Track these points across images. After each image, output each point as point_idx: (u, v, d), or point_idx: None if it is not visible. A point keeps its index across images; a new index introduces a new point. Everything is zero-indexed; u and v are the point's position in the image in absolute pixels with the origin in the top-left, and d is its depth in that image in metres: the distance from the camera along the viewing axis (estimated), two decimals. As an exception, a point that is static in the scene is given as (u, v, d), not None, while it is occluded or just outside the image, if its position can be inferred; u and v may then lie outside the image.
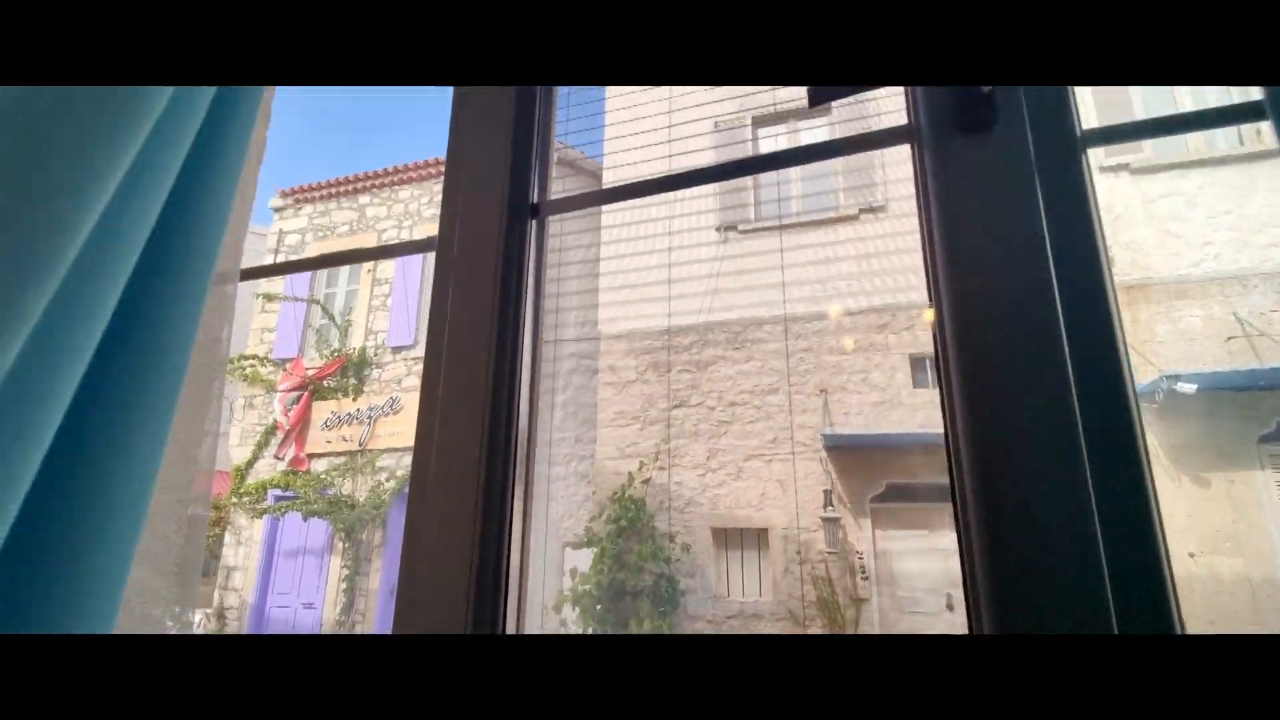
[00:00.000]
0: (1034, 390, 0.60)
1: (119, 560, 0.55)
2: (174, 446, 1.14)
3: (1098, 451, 0.59)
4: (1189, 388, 5.09)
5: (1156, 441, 5.35)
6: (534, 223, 0.88)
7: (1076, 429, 0.59)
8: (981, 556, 0.58)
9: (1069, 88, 0.70)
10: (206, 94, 0.60)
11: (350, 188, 10.49)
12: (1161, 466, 5.31)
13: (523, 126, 0.89)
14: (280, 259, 10.86)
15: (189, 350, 0.61)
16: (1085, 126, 0.70)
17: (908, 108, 0.73)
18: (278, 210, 11.19)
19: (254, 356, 9.62)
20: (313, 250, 10.67)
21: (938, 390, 0.67)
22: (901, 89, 0.78)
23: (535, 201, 0.89)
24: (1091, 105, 6.15)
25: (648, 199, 6.52)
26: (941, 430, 0.65)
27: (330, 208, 10.76)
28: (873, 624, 5.78)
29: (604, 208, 7.36)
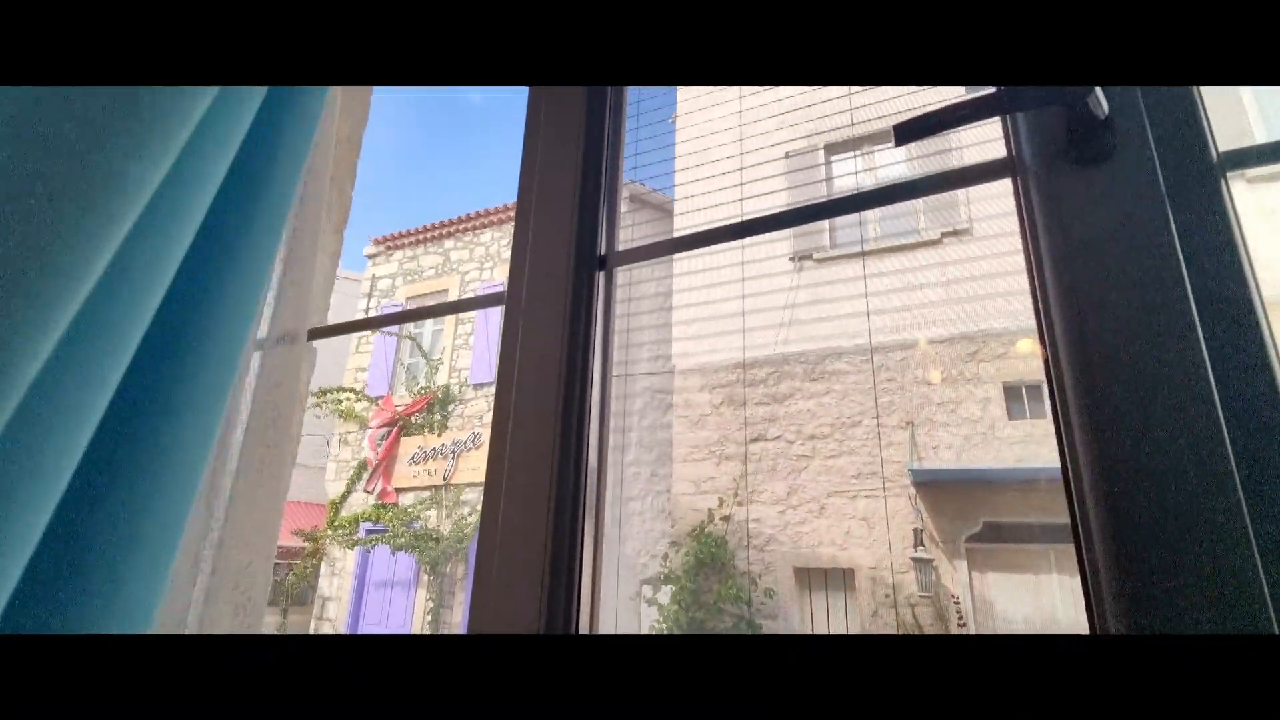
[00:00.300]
0: (1174, 424, 0.52)
1: (149, 586, 0.55)
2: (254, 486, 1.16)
3: (1257, 486, 0.50)
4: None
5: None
6: (601, 274, 0.86)
7: (1228, 460, 0.50)
8: (1116, 606, 0.50)
9: (1199, 106, 0.62)
10: (250, 108, 0.61)
11: (437, 233, 11.05)
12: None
13: (590, 177, 0.88)
14: (372, 302, 11.51)
15: (230, 370, 0.61)
16: (1222, 149, 0.62)
17: (1006, 137, 0.67)
18: (371, 257, 11.91)
19: (351, 390, 10.15)
20: (403, 293, 11.25)
21: (1039, 423, 0.60)
22: (994, 120, 0.72)
23: (603, 253, 0.87)
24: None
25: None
26: (1042, 465, 0.58)
27: (418, 253, 11.36)
28: (974, 676, 5.35)
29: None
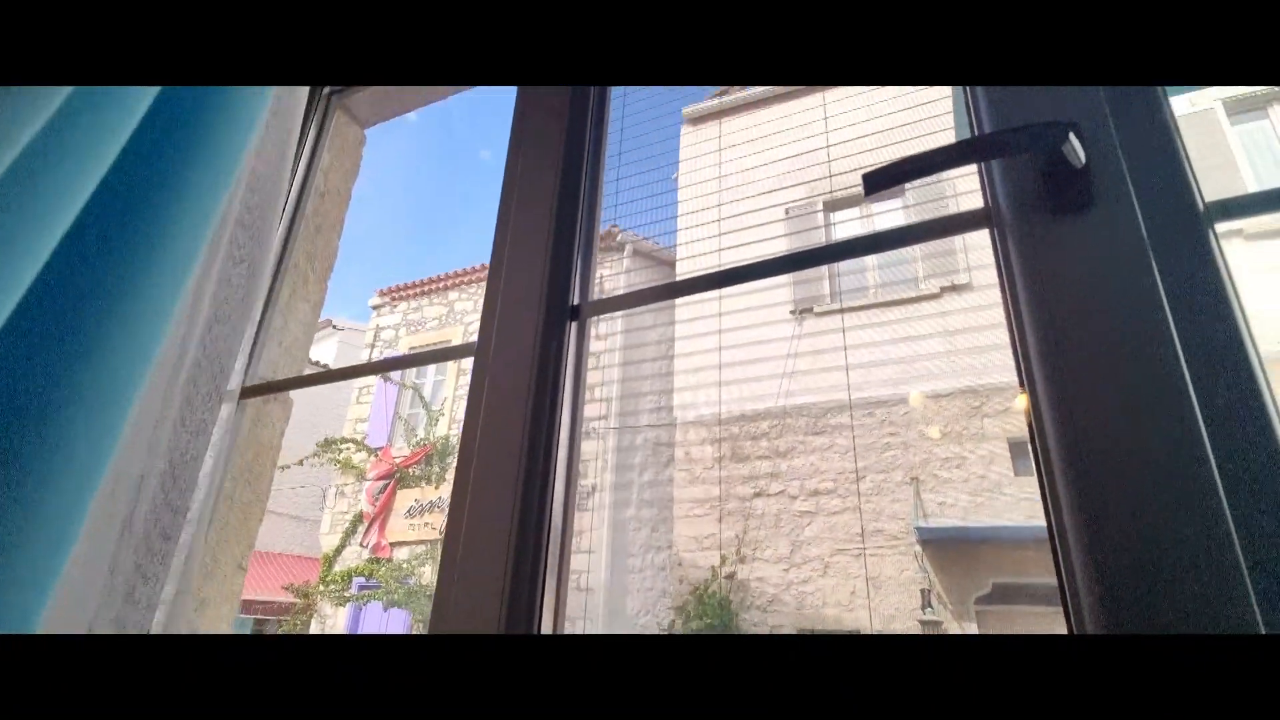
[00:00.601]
0: (1168, 486, 0.47)
1: (44, 565, 0.51)
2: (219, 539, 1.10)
3: (1255, 549, 0.46)
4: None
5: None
6: (573, 325, 0.83)
7: (1226, 524, 0.45)
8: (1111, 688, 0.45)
9: (1181, 154, 0.60)
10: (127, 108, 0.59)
11: (441, 285, 11.17)
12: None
13: (564, 226, 0.87)
14: (375, 352, 11.55)
15: (143, 360, 0.57)
16: (1209, 199, 0.59)
17: (982, 187, 0.65)
18: (376, 308, 12.02)
19: (352, 441, 10.06)
20: (406, 343, 11.30)
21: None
22: (974, 169, 0.70)
23: (576, 303, 0.85)
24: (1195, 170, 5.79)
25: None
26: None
27: (423, 304, 11.46)
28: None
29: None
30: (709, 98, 8.99)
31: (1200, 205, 0.59)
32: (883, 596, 5.76)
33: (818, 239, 7.27)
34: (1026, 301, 0.57)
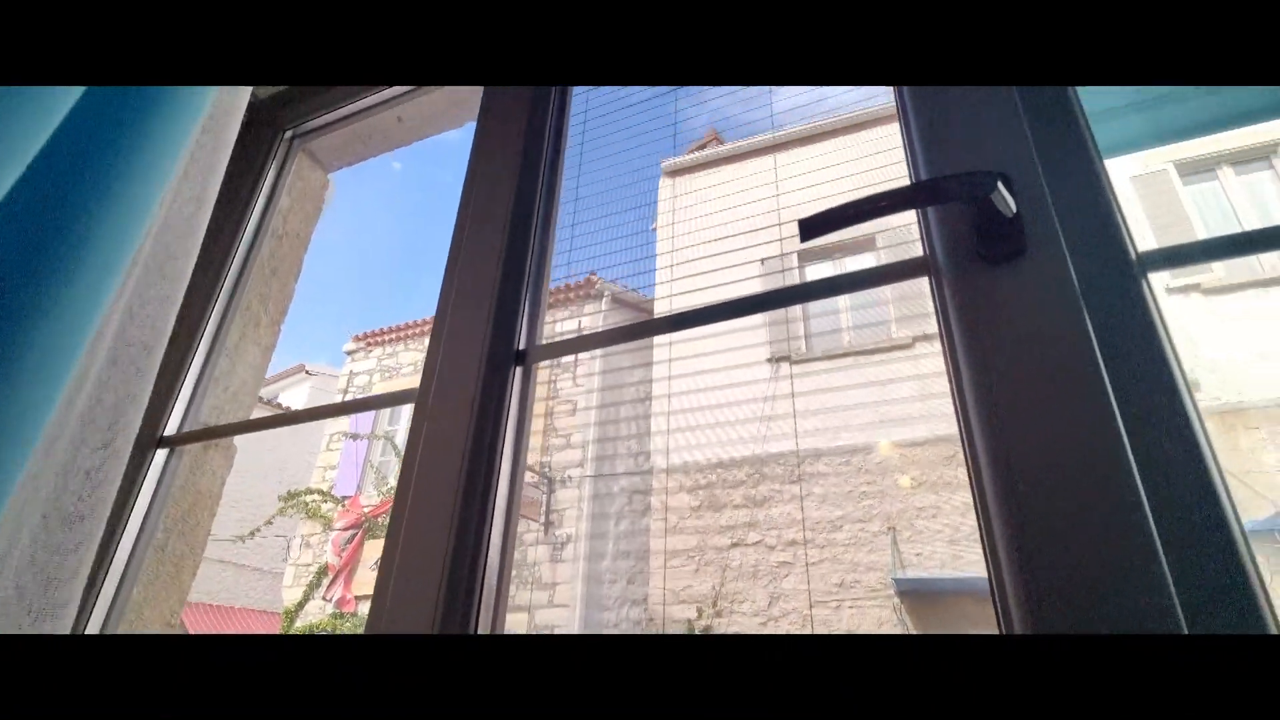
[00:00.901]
0: (1106, 541, 0.46)
1: None
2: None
3: (1205, 609, 0.44)
4: (1318, 525, 4.46)
5: (1291, 589, 4.63)
6: (518, 369, 0.81)
7: (1165, 582, 0.44)
8: None
9: (1114, 205, 0.61)
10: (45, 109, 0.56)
11: (417, 330, 11.10)
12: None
13: (511, 270, 0.86)
14: (348, 397, 11.36)
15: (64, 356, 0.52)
16: (1143, 248, 0.60)
17: (921, 236, 0.65)
18: (350, 353, 11.88)
19: (318, 491, 9.77)
20: (380, 389, 11.14)
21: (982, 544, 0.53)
22: (914, 221, 0.71)
23: (522, 347, 0.83)
24: (1149, 229, 6.02)
25: (699, 331, 6.58)
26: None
27: (398, 349, 11.36)
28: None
29: (655, 340, 7.47)
30: (689, 150, 9.24)
31: (1133, 254, 0.60)
32: (861, 651, 5.63)
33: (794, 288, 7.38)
34: (962, 348, 0.56)
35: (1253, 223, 5.94)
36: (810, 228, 0.57)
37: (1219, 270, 5.80)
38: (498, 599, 0.70)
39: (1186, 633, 0.44)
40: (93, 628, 0.99)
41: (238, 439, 1.26)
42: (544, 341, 0.85)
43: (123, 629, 1.06)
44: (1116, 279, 0.58)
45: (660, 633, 6.43)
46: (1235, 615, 0.46)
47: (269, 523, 8.68)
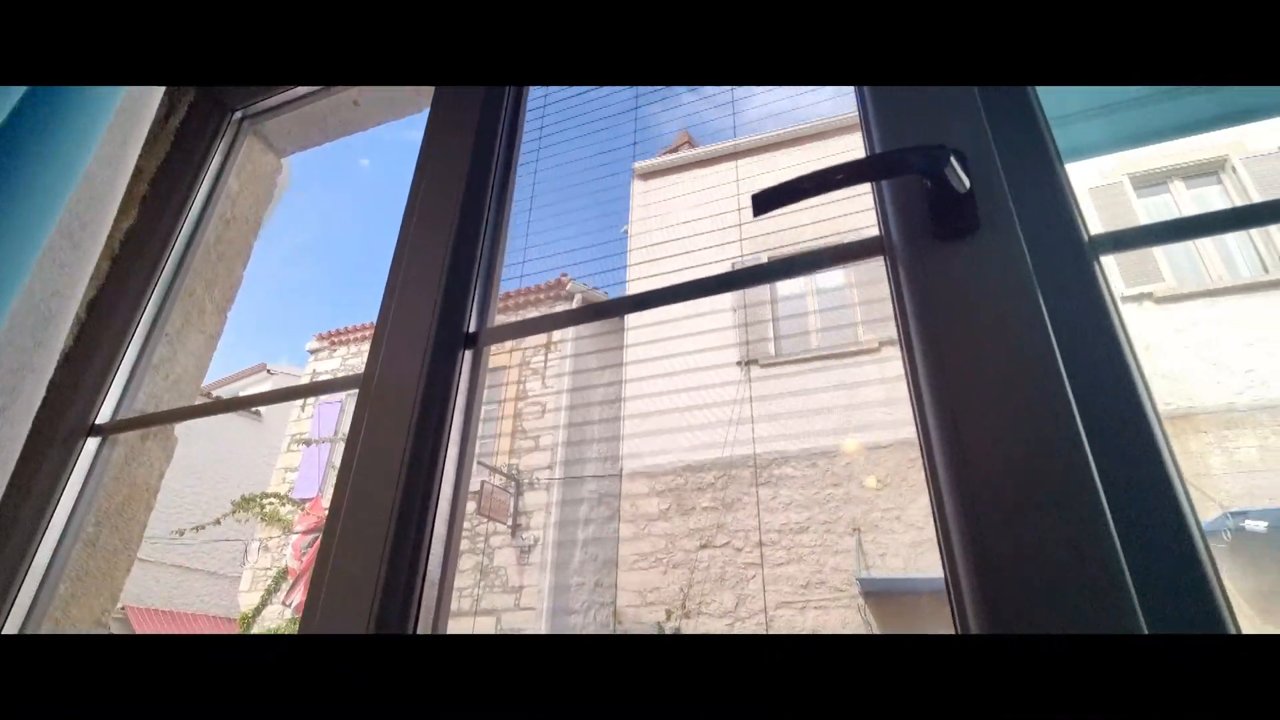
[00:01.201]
0: (1059, 533, 0.45)
1: None
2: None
3: (1163, 607, 0.43)
4: (1258, 525, 4.63)
5: (1233, 587, 4.79)
6: (468, 352, 0.79)
7: (1123, 575, 0.43)
8: None
9: (1065, 186, 0.61)
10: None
11: (383, 330, 10.91)
12: (1244, 617, 4.72)
13: (462, 251, 0.83)
14: (311, 398, 11.10)
15: None
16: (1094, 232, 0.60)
17: (877, 215, 0.64)
18: (314, 352, 11.61)
19: (274, 495, 9.51)
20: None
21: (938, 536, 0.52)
22: (871, 203, 0.70)
23: (472, 330, 0.80)
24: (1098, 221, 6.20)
25: (670, 331, 6.58)
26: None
27: (363, 349, 11.14)
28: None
29: (626, 342, 7.44)
30: (660, 153, 9.26)
31: (1085, 236, 0.60)
32: (826, 651, 5.68)
33: (762, 291, 7.44)
34: (915, 329, 0.55)
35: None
36: (763, 201, 0.56)
37: (1170, 279, 5.99)
38: (441, 592, 0.67)
39: (1146, 632, 0.43)
40: (11, 626, 0.93)
41: (190, 434, 1.21)
42: (495, 325, 0.82)
43: (47, 627, 1.00)
44: (1069, 259, 0.57)
45: (612, 633, 6.39)
46: (1195, 610, 0.45)
47: (217, 522, 8.41)
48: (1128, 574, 0.44)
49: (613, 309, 0.82)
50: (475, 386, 0.78)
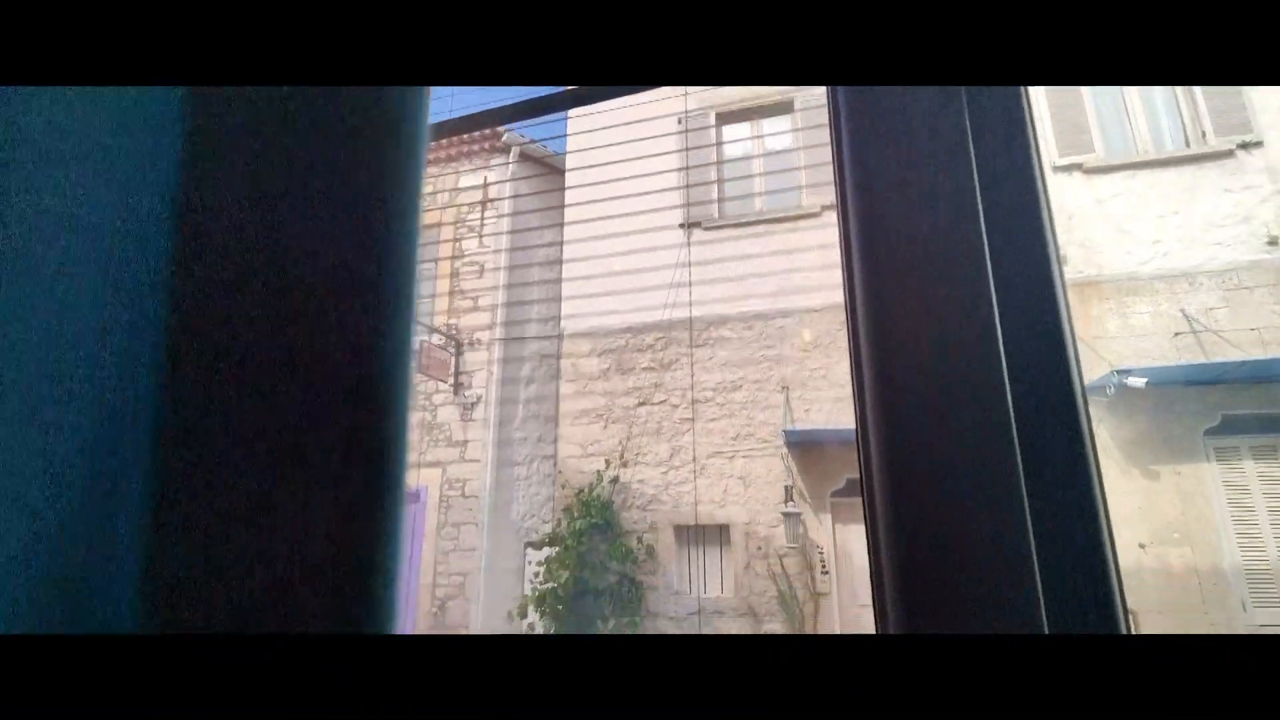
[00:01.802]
0: (962, 377, 0.52)
1: None
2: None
3: (1038, 444, 0.52)
4: (1138, 382, 5.19)
5: (1108, 435, 5.45)
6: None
7: (1009, 418, 0.51)
8: (891, 555, 0.50)
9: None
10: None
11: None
12: (1113, 460, 5.41)
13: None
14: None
15: None
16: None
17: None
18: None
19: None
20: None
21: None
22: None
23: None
24: (1046, 109, 6.24)
25: (612, 190, 6.41)
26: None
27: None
28: (833, 619, 5.79)
29: (567, 203, 7.24)
30: None
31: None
32: (752, 493, 6.25)
33: (709, 153, 7.26)
34: (850, 176, 0.59)
35: (1138, 107, 6.24)
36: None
37: (1100, 151, 6.15)
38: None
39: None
40: None
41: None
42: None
43: None
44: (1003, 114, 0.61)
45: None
46: (1063, 448, 0.54)
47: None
48: (1018, 450, 0.52)
49: (558, 103, 0.82)
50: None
